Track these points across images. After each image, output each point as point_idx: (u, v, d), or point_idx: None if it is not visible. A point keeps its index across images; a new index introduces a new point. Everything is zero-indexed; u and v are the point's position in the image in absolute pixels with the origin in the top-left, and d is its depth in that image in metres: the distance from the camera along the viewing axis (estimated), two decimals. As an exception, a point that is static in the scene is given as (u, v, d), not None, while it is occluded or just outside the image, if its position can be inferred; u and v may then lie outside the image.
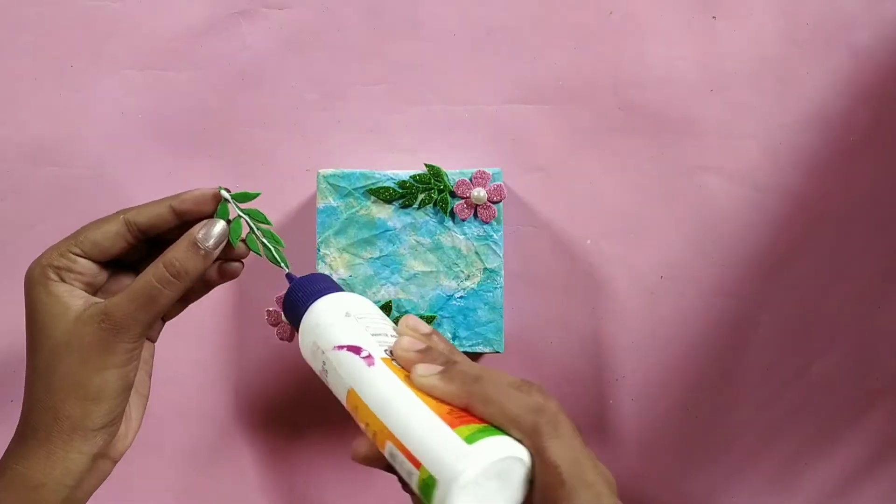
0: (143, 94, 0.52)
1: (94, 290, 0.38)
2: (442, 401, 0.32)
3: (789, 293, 0.53)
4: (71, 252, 0.37)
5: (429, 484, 0.29)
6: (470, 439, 0.30)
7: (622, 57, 0.51)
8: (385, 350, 0.35)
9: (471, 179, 0.46)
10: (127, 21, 0.51)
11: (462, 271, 0.47)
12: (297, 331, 0.37)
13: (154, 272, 0.36)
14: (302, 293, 0.37)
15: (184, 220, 0.38)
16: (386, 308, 0.46)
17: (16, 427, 0.36)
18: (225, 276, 0.40)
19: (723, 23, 0.51)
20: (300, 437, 0.53)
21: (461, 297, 0.47)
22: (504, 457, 0.30)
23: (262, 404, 0.53)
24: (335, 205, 0.46)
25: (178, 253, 0.36)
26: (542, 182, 0.52)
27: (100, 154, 0.52)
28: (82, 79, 0.52)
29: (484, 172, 0.46)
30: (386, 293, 0.46)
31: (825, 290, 0.53)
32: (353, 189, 0.46)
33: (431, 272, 0.47)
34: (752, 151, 0.52)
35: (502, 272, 0.47)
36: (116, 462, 0.38)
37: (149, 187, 0.52)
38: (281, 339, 0.52)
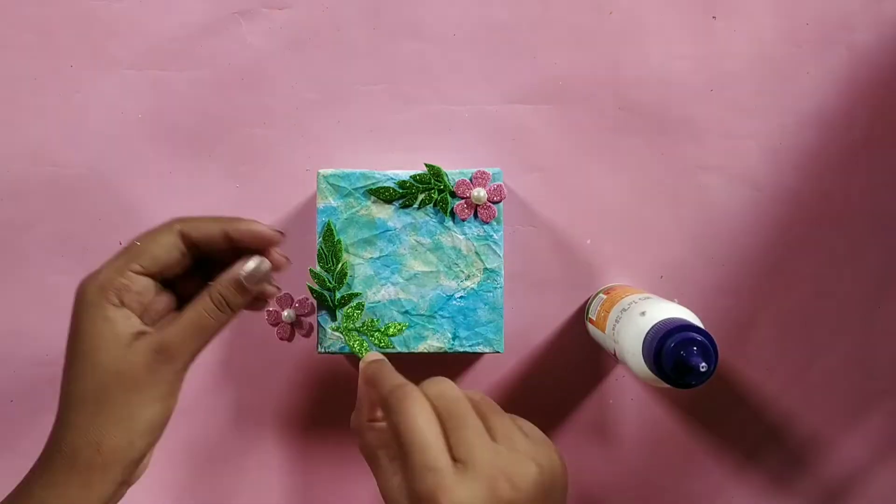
0: (142, 94, 0.52)
1: (143, 310, 0.37)
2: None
3: (789, 293, 0.53)
4: (131, 270, 0.36)
5: None
6: None
7: (622, 57, 0.51)
8: None
9: (471, 179, 0.46)
10: (127, 21, 0.51)
11: (462, 271, 0.47)
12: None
13: (205, 306, 0.36)
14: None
15: (233, 247, 0.38)
16: (372, 325, 0.47)
17: (43, 449, 0.35)
18: (255, 307, 0.40)
19: (723, 23, 0.51)
20: (300, 437, 0.53)
21: (461, 297, 0.46)
22: None
23: (262, 404, 0.53)
24: (335, 205, 0.46)
25: (225, 289, 0.37)
26: (542, 182, 0.52)
27: (99, 154, 0.52)
28: (82, 79, 0.52)
29: (484, 172, 0.46)
30: (386, 293, 0.46)
31: (825, 289, 0.53)
32: (353, 189, 0.46)
33: (431, 272, 0.47)
34: (751, 151, 0.52)
35: (502, 272, 0.47)
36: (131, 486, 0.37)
37: (149, 187, 0.52)
38: (281, 339, 0.52)
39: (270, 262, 0.39)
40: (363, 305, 0.46)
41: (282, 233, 0.39)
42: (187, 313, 0.36)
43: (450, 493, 0.31)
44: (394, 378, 0.36)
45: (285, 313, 0.52)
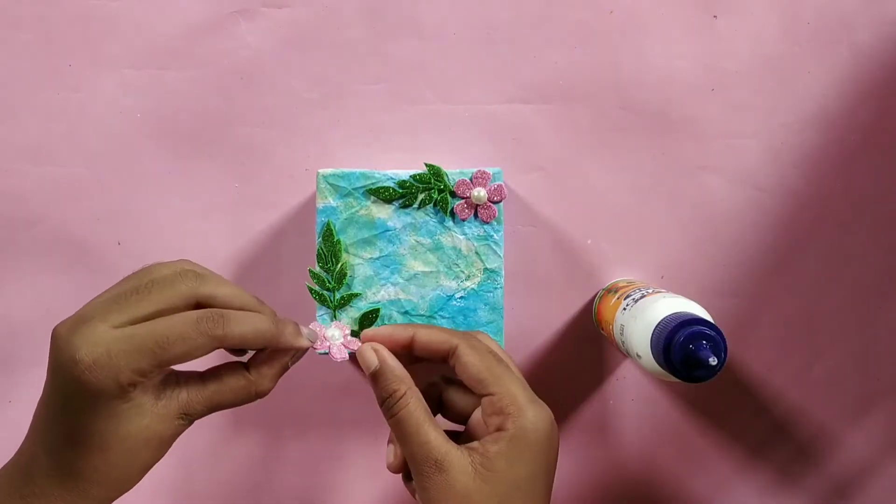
0: (142, 94, 0.52)
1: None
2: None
3: (790, 293, 0.53)
4: (154, 372, 0.32)
5: None
6: None
7: (623, 56, 0.51)
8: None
9: (471, 179, 0.46)
10: (126, 20, 0.51)
11: (462, 271, 0.47)
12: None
13: (236, 386, 0.36)
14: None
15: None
16: (373, 313, 0.46)
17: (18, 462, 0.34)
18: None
19: (724, 22, 0.51)
20: (300, 437, 0.53)
21: (461, 297, 0.46)
22: None
23: (262, 404, 0.53)
24: (335, 205, 0.46)
25: (267, 383, 0.37)
26: (543, 182, 0.52)
27: (99, 154, 0.52)
28: (81, 78, 0.51)
29: (484, 172, 0.46)
30: (386, 293, 0.46)
31: (826, 289, 0.53)
32: (353, 189, 0.46)
33: (431, 272, 0.46)
34: (753, 151, 0.52)
35: (503, 272, 0.47)
36: None
37: (148, 187, 0.52)
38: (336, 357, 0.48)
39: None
40: (377, 313, 0.46)
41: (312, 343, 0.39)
42: (219, 387, 0.35)
43: (543, 405, 0.38)
44: (392, 382, 0.39)
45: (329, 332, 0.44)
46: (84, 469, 0.32)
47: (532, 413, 0.37)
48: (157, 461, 0.35)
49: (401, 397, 0.38)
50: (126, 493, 0.36)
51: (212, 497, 0.53)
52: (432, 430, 0.37)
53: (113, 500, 0.34)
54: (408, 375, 0.39)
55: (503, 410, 0.37)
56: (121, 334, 0.31)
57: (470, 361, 0.38)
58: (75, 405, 0.32)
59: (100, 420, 0.32)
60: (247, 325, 0.34)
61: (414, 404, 0.38)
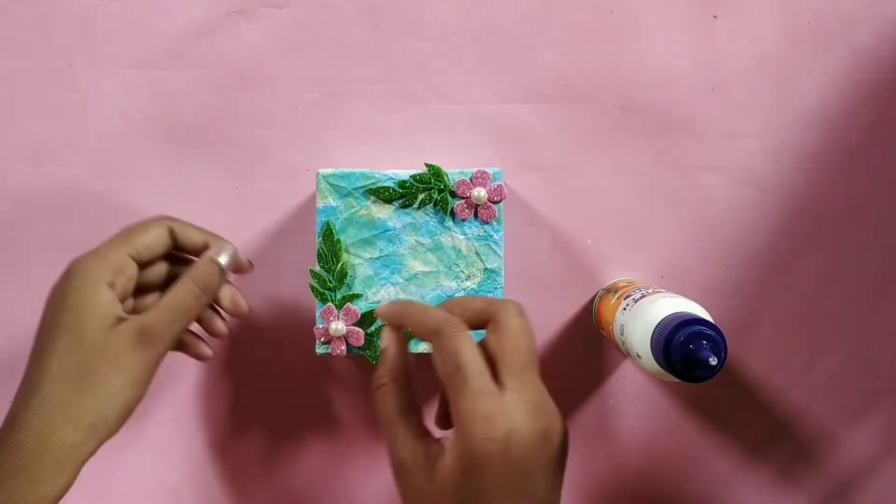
0: (142, 94, 0.52)
1: (124, 296, 0.39)
2: None
3: (790, 293, 0.53)
4: (128, 254, 0.38)
5: None
6: None
7: (623, 56, 0.51)
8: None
9: (471, 179, 0.46)
10: (126, 20, 0.51)
11: (462, 271, 0.47)
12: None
13: (186, 288, 0.38)
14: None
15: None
16: (374, 314, 0.46)
17: (6, 420, 0.35)
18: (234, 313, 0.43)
19: (724, 22, 0.51)
20: (300, 437, 0.53)
21: (461, 297, 0.46)
22: None
23: (262, 404, 0.53)
24: (335, 205, 0.46)
25: (205, 271, 0.39)
26: (542, 182, 0.52)
27: (99, 154, 0.52)
28: (81, 78, 0.51)
29: (484, 172, 0.46)
30: (386, 293, 0.46)
31: (826, 289, 0.53)
32: (353, 189, 0.46)
33: (431, 272, 0.46)
34: (753, 151, 0.52)
35: (503, 272, 0.47)
36: None
37: (148, 187, 0.52)
38: (336, 354, 0.48)
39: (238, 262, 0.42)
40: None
41: (252, 264, 0.43)
42: (168, 297, 0.38)
43: (506, 416, 0.33)
44: (438, 312, 0.37)
45: (333, 326, 0.46)
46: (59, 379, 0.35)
47: (471, 433, 0.33)
48: (129, 389, 0.36)
49: (378, 388, 0.38)
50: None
51: (212, 497, 0.53)
52: (400, 428, 0.36)
53: (91, 428, 0.35)
54: (401, 367, 0.38)
55: (456, 420, 0.35)
56: (108, 242, 0.39)
57: (435, 360, 0.36)
58: (61, 298, 0.36)
59: (80, 296, 0.36)
60: (191, 224, 0.41)
61: (387, 399, 0.37)
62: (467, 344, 0.35)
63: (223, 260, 0.40)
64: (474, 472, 0.33)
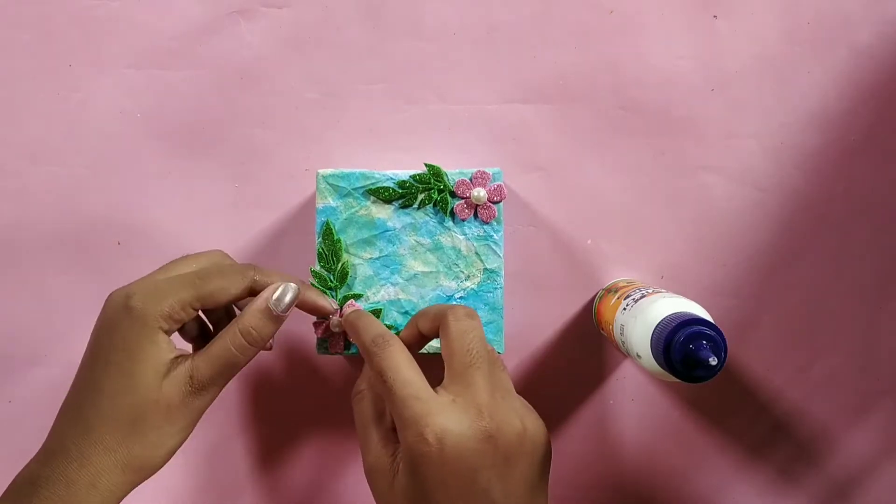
0: (142, 94, 0.52)
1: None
2: None
3: (790, 293, 0.53)
4: (193, 307, 0.37)
5: None
6: None
7: (623, 56, 0.51)
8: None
9: (471, 179, 0.46)
10: (126, 20, 0.51)
11: (462, 272, 0.47)
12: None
13: (233, 340, 0.37)
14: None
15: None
16: (374, 314, 0.46)
17: (46, 452, 0.35)
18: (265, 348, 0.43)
19: (724, 22, 0.51)
20: (300, 437, 0.53)
21: (461, 297, 0.46)
22: None
23: (261, 403, 0.53)
24: (334, 205, 0.46)
25: (254, 321, 0.38)
26: (542, 182, 0.52)
27: (99, 154, 0.52)
28: (81, 78, 0.51)
29: (484, 172, 0.46)
30: (386, 294, 0.46)
31: (826, 289, 0.53)
32: (353, 189, 0.46)
33: (431, 272, 0.46)
34: (753, 151, 0.52)
35: (503, 272, 0.47)
36: None
37: (148, 187, 0.52)
38: (334, 352, 0.49)
39: (320, 308, 0.43)
40: (379, 313, 0.46)
41: (338, 310, 0.44)
42: (217, 346, 0.37)
43: (436, 417, 0.34)
44: (375, 327, 0.39)
45: (333, 320, 0.46)
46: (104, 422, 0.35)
47: (404, 437, 0.35)
48: (177, 436, 0.36)
49: (355, 395, 0.41)
50: (126, 494, 0.36)
51: (213, 497, 0.53)
52: (372, 433, 0.38)
53: (138, 471, 0.36)
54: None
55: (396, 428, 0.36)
56: (166, 275, 0.37)
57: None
58: (116, 335, 0.35)
59: (136, 339, 0.35)
60: (277, 272, 0.40)
61: (362, 405, 0.39)
62: (394, 356, 0.36)
63: (273, 300, 0.38)
64: (416, 474, 0.34)
